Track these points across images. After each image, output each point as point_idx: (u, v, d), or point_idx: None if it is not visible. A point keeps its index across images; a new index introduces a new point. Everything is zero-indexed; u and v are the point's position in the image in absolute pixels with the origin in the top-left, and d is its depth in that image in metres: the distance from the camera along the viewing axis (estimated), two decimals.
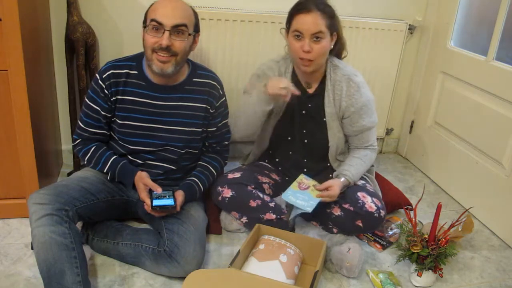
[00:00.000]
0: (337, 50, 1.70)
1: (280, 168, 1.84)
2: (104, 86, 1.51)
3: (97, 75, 1.53)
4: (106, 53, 2.00)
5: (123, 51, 2.00)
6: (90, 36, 1.88)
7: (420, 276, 1.53)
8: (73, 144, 1.61)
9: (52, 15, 1.89)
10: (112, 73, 1.51)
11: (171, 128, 1.56)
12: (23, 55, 1.47)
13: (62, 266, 1.26)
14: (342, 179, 1.62)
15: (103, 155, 1.56)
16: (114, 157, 1.56)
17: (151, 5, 1.48)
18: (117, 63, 1.54)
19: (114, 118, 1.55)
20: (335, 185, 1.59)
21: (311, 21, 1.53)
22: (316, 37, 1.54)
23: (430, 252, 1.48)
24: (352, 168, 1.65)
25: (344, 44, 1.71)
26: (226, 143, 1.73)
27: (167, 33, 1.41)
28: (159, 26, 1.42)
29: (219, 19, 1.98)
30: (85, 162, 1.58)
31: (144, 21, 1.48)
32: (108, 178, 1.55)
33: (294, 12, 1.58)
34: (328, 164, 1.77)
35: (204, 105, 1.59)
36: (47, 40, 1.88)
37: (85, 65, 1.91)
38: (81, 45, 1.85)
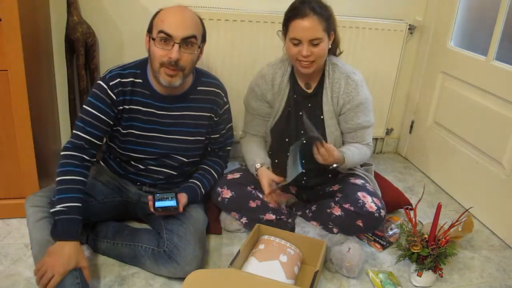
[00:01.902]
0: (332, 48, 1.69)
1: (279, 170, 1.84)
2: (112, 94, 1.45)
3: (102, 83, 1.45)
4: (106, 53, 2.00)
5: (123, 51, 2.00)
6: (90, 36, 1.88)
7: (420, 276, 1.53)
8: (62, 152, 1.44)
9: (52, 15, 1.89)
10: (119, 81, 1.45)
11: (175, 138, 1.55)
12: (23, 55, 1.47)
13: None
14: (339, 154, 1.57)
15: (71, 192, 1.36)
16: (76, 204, 1.35)
17: (157, 13, 1.42)
18: (122, 71, 1.47)
19: (117, 127, 1.52)
20: (335, 149, 1.52)
21: (308, 27, 1.50)
22: (314, 42, 1.53)
23: (430, 252, 1.48)
24: (348, 150, 1.62)
25: (339, 41, 1.70)
26: (229, 148, 1.73)
27: (176, 46, 1.36)
28: (168, 38, 1.36)
29: (219, 19, 1.98)
30: (56, 179, 1.38)
31: (150, 30, 1.43)
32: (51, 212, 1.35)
33: (290, 17, 1.55)
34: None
35: (208, 114, 1.58)
36: (47, 40, 1.88)
37: (85, 65, 1.91)
38: (81, 45, 1.85)
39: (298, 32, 1.52)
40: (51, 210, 1.32)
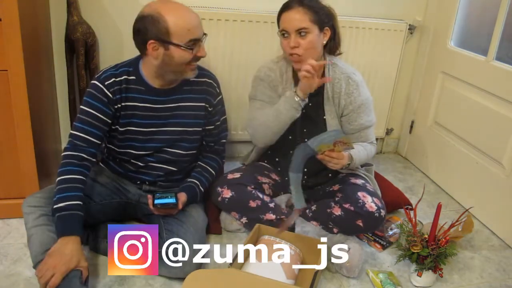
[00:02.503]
0: (331, 47, 1.70)
1: (279, 169, 1.84)
2: (108, 93, 1.46)
3: (98, 83, 1.46)
4: (106, 53, 2.00)
5: (123, 51, 2.00)
6: (90, 36, 1.88)
7: (420, 276, 1.53)
8: (63, 153, 1.45)
9: (52, 15, 1.89)
10: (114, 81, 1.47)
11: (173, 130, 1.56)
12: (23, 55, 1.47)
13: None
14: (346, 152, 1.59)
15: (71, 190, 1.37)
16: (77, 202, 1.36)
17: (163, 18, 1.35)
18: (115, 71, 1.49)
19: (116, 126, 1.52)
20: (342, 156, 1.55)
21: (293, 18, 1.56)
22: (301, 32, 1.55)
23: (430, 252, 1.48)
24: (355, 150, 1.63)
25: (339, 41, 1.71)
26: (224, 141, 1.73)
27: (203, 44, 1.45)
28: (196, 42, 1.43)
29: (219, 19, 1.98)
30: (56, 179, 1.40)
31: (163, 39, 1.37)
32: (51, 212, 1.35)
33: (280, 12, 1.62)
34: None
35: (203, 104, 1.59)
36: (47, 40, 1.88)
37: (85, 65, 1.91)
38: (81, 45, 1.85)
39: (284, 24, 1.58)
40: (54, 206, 1.33)
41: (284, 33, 1.59)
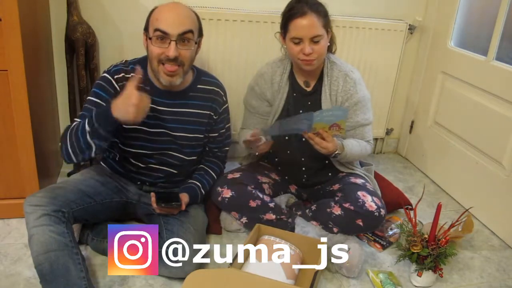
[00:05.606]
0: (330, 45, 1.70)
1: (279, 168, 1.85)
2: (117, 86, 1.47)
3: (107, 75, 1.48)
4: (106, 53, 2.00)
5: (123, 51, 2.01)
6: (90, 36, 1.88)
7: (420, 276, 1.53)
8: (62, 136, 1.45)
9: (52, 15, 1.89)
10: (123, 76, 1.48)
11: (175, 134, 1.55)
12: (23, 55, 1.47)
13: (66, 262, 1.27)
14: (339, 141, 1.60)
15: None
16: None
17: (152, 11, 1.44)
18: (125, 66, 1.50)
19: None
20: (332, 140, 1.54)
21: (308, 25, 1.52)
22: (315, 40, 1.54)
23: (430, 252, 1.48)
24: (347, 141, 1.64)
25: (335, 38, 1.72)
26: (227, 148, 1.74)
27: (173, 43, 1.37)
28: (164, 36, 1.38)
29: (219, 19, 1.98)
30: (67, 138, 1.39)
31: (146, 28, 1.44)
32: (88, 128, 1.35)
33: (289, 17, 1.56)
34: (327, 162, 1.77)
35: (208, 112, 1.59)
36: (47, 40, 1.88)
37: (85, 65, 1.91)
38: (81, 45, 1.85)
39: (299, 31, 1.54)
40: (94, 116, 1.33)
41: (296, 40, 1.56)
